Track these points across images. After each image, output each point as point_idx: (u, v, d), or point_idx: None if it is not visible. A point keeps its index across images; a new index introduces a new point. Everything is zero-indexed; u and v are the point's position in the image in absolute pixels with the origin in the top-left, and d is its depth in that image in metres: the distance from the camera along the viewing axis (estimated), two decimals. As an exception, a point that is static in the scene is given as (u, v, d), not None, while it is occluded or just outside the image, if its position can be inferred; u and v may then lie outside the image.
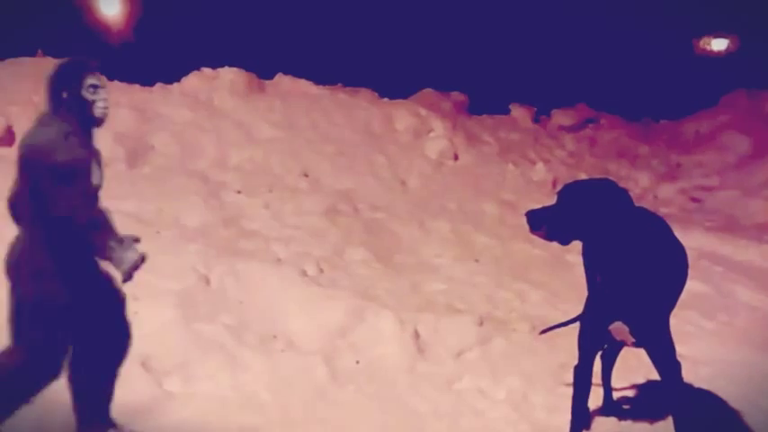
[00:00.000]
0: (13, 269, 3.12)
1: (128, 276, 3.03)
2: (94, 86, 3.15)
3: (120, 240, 3.10)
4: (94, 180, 3.16)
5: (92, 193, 3.17)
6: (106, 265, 3.21)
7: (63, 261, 3.08)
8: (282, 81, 10.99)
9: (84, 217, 3.01)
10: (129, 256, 3.03)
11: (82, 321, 3.19)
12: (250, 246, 6.19)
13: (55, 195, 2.96)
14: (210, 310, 4.80)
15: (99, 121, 3.20)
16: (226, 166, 8.49)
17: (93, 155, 3.19)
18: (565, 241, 3.34)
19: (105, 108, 3.19)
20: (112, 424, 3.46)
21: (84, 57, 3.24)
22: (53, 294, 3.06)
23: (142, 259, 3.06)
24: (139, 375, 3.96)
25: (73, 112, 3.13)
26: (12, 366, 3.10)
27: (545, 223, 3.27)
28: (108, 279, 3.33)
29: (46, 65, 9.57)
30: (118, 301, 3.39)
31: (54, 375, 3.18)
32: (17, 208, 3.12)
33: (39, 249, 3.07)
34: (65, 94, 3.13)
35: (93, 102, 3.15)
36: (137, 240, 3.13)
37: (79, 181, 3.03)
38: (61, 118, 3.10)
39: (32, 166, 3.02)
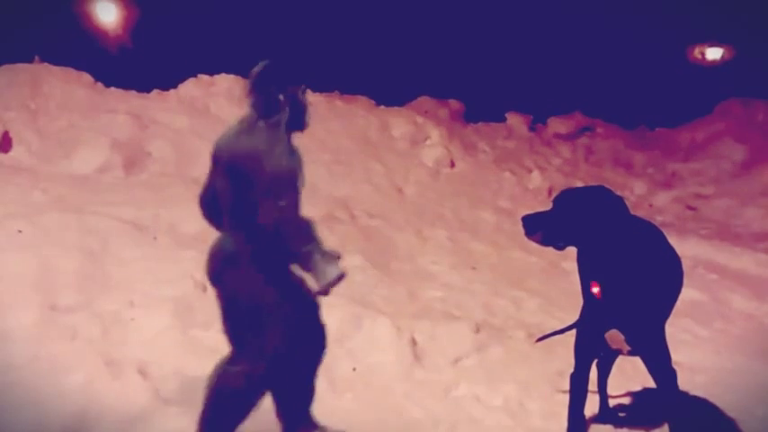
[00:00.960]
0: (217, 275, 3.13)
1: (324, 291, 3.03)
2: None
3: (323, 253, 3.08)
4: (300, 186, 3.12)
5: (295, 203, 3.10)
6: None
7: (265, 266, 3.05)
8: (279, 88, 10.99)
9: (287, 227, 2.96)
10: (331, 272, 3.01)
11: (285, 325, 3.16)
12: (246, 252, 6.19)
13: (262, 205, 2.92)
14: (207, 317, 4.77)
15: (306, 126, 3.17)
16: (222, 172, 8.48)
17: (298, 160, 3.16)
18: (560, 246, 3.36)
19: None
20: (316, 425, 3.50)
21: (290, 60, 3.18)
22: (260, 299, 3.05)
23: (341, 277, 3.04)
24: (136, 382, 3.95)
25: (287, 115, 3.07)
26: (236, 373, 3.10)
27: (541, 228, 3.29)
28: (303, 285, 3.30)
29: (42, 71, 9.65)
30: (314, 306, 3.37)
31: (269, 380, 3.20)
32: (212, 208, 3.10)
33: (242, 254, 3.04)
34: (281, 97, 3.06)
35: (306, 106, 3.13)
36: (338, 257, 3.12)
37: (285, 193, 2.98)
38: (268, 122, 3.06)
39: (242, 172, 2.96)
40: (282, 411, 3.41)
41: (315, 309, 3.38)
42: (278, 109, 3.06)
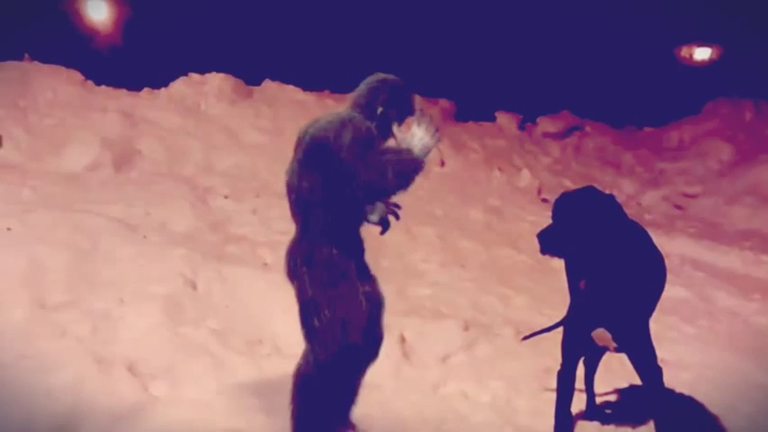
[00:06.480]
0: (293, 271, 3.15)
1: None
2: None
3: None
4: None
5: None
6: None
7: (346, 256, 3.16)
8: (270, 87, 11.01)
9: (393, 178, 2.99)
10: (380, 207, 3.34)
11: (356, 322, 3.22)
12: (237, 251, 6.20)
13: (362, 163, 2.95)
14: (197, 315, 4.80)
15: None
16: (213, 171, 8.49)
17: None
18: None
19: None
20: (353, 425, 3.50)
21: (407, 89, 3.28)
22: (344, 293, 3.14)
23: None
24: (125, 379, 3.95)
25: (378, 127, 3.15)
26: (313, 368, 3.15)
27: (554, 244, 3.34)
28: (375, 281, 3.44)
29: (32, 69, 9.62)
30: (381, 304, 3.47)
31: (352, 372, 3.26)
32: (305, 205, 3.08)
33: (321, 247, 3.10)
34: (379, 110, 3.20)
35: (393, 135, 3.20)
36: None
37: (374, 148, 3.00)
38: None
39: (325, 148, 3.00)
40: (327, 408, 3.40)
41: (378, 313, 3.47)
42: (373, 116, 3.21)
